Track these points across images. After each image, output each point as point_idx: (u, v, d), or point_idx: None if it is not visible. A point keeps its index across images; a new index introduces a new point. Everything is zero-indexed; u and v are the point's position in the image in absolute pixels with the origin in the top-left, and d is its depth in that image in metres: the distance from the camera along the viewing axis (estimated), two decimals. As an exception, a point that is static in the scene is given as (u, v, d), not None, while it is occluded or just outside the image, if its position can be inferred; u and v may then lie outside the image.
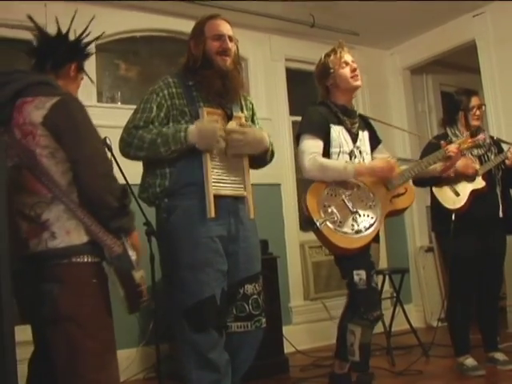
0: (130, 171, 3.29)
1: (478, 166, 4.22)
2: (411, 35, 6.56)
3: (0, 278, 2.14)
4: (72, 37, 2.80)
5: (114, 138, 3.68)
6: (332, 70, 3.65)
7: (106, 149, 3.62)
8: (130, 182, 3.59)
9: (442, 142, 3.97)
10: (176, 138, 2.88)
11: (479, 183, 4.18)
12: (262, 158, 3.21)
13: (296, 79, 6.26)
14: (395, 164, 3.60)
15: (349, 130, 3.64)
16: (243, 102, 3.27)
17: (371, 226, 3.51)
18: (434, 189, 4.28)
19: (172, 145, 2.89)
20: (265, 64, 6.07)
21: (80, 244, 2.43)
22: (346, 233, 3.43)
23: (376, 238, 3.63)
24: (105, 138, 3.65)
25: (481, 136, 4.18)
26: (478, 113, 4.36)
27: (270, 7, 5.54)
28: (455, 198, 4.19)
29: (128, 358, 4.69)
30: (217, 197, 2.93)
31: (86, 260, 2.45)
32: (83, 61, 2.81)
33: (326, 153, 3.56)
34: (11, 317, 2.17)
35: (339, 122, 3.63)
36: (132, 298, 2.52)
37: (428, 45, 6.48)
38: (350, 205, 3.49)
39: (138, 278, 2.50)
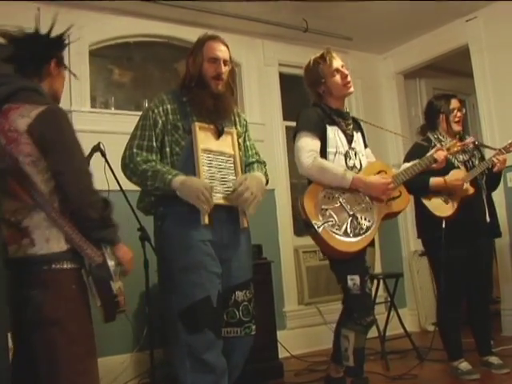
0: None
1: (464, 172, 4.23)
2: (404, 40, 6.57)
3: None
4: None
5: (107, 143, 3.70)
6: (323, 80, 3.65)
7: (100, 154, 3.64)
8: (123, 188, 3.61)
9: (438, 145, 3.97)
10: (163, 178, 2.97)
11: (465, 192, 4.19)
12: None
13: (289, 84, 6.27)
14: (391, 186, 3.60)
15: (344, 132, 3.64)
16: (237, 119, 3.37)
17: (369, 228, 3.51)
18: (422, 198, 4.28)
19: (157, 182, 2.98)
20: (258, 69, 6.08)
21: (59, 252, 2.45)
22: (344, 236, 3.43)
23: (371, 242, 3.61)
24: (98, 143, 3.67)
25: (470, 139, 4.18)
26: (458, 114, 4.38)
27: (263, 12, 5.54)
28: (445, 205, 4.19)
29: (122, 364, 4.69)
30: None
31: (65, 266, 2.47)
32: (61, 54, 2.78)
33: (323, 153, 3.55)
34: (5, 322, 2.16)
35: (334, 123, 3.63)
36: (108, 308, 2.55)
37: (421, 49, 6.50)
38: (347, 208, 3.49)
39: (115, 289, 2.53)
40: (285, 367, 4.84)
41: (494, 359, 4.32)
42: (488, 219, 4.28)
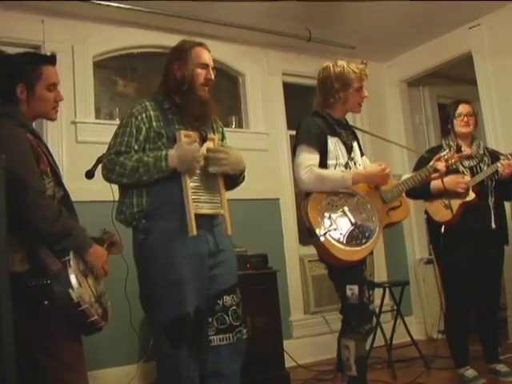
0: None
1: (468, 178, 4.23)
2: (408, 48, 6.59)
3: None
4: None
5: (112, 155, 3.69)
6: (351, 90, 3.61)
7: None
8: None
9: (437, 156, 3.98)
10: (157, 167, 2.94)
11: (469, 195, 4.19)
12: (235, 179, 3.28)
13: (293, 93, 6.28)
14: (388, 170, 3.61)
15: (344, 142, 3.64)
16: (214, 125, 3.35)
17: (370, 237, 3.49)
18: (425, 202, 4.31)
19: (154, 174, 2.95)
20: (262, 79, 6.10)
21: (21, 271, 2.51)
22: (346, 244, 3.42)
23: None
24: (103, 154, 3.66)
25: (466, 152, 4.18)
26: (465, 119, 4.38)
27: (266, 22, 5.56)
28: (445, 210, 4.20)
29: (129, 375, 4.68)
30: (196, 216, 2.97)
31: (36, 283, 2.52)
32: (32, 76, 2.75)
33: (323, 165, 3.54)
34: (11, 330, 2.17)
35: (335, 134, 3.61)
36: (75, 319, 2.55)
37: (424, 57, 6.51)
38: (350, 216, 3.48)
39: (75, 297, 2.52)
40: (291, 377, 4.82)
41: (501, 367, 4.31)
42: (493, 226, 4.27)
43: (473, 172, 4.31)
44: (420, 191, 4.10)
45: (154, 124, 3.06)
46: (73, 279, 2.53)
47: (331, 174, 3.50)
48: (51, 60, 2.85)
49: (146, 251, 3.04)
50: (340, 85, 3.60)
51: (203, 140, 3.12)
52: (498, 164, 4.23)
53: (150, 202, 3.02)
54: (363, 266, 3.53)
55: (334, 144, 3.58)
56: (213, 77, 3.20)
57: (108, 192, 3.46)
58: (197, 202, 3.01)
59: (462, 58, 6.21)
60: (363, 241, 3.47)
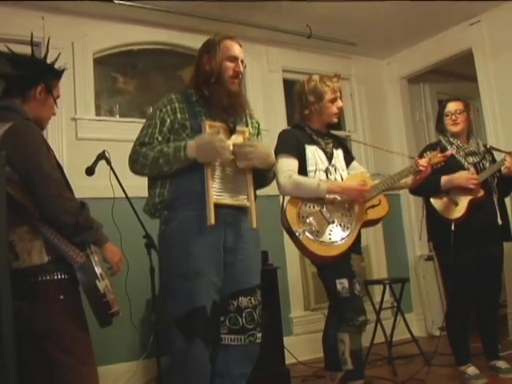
0: (132, 184, 3.29)
1: (476, 176, 4.22)
2: (408, 44, 6.58)
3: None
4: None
5: (112, 151, 3.70)
6: (323, 102, 3.78)
7: (105, 162, 3.64)
8: (129, 195, 3.61)
9: (417, 156, 4.00)
10: (177, 157, 2.91)
11: (479, 192, 4.18)
12: (265, 175, 3.23)
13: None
14: (367, 187, 3.71)
15: (323, 150, 3.80)
16: (249, 120, 3.31)
17: (348, 235, 3.65)
18: (432, 199, 4.29)
19: (174, 164, 2.93)
20: (262, 75, 6.09)
21: (40, 264, 2.51)
22: (323, 241, 3.59)
23: (357, 250, 3.76)
24: (103, 151, 3.67)
25: (450, 151, 4.16)
26: (453, 117, 4.40)
27: (266, 19, 5.56)
28: (454, 207, 4.20)
29: (129, 371, 4.69)
30: (217, 206, 2.92)
31: (51, 277, 2.54)
32: (51, 82, 2.83)
33: (304, 171, 3.70)
34: (11, 328, 2.16)
35: (313, 143, 3.79)
36: (99, 310, 2.60)
37: (425, 54, 6.51)
38: (327, 215, 3.65)
39: (102, 288, 2.57)
40: (292, 373, 4.82)
41: (501, 363, 4.32)
42: (500, 222, 4.27)
43: (476, 168, 4.31)
44: (429, 186, 4.15)
45: (179, 116, 3.06)
46: (98, 271, 2.59)
47: (308, 182, 3.66)
48: (61, 75, 2.93)
49: (165, 241, 3.05)
50: (314, 98, 3.81)
51: (231, 132, 3.08)
52: (505, 162, 4.23)
53: (171, 193, 3.01)
54: (350, 261, 3.67)
55: (312, 152, 3.76)
56: (242, 69, 3.18)
57: (108, 189, 3.46)
58: (220, 192, 2.98)
59: (462, 55, 6.21)
60: (339, 237, 3.64)
